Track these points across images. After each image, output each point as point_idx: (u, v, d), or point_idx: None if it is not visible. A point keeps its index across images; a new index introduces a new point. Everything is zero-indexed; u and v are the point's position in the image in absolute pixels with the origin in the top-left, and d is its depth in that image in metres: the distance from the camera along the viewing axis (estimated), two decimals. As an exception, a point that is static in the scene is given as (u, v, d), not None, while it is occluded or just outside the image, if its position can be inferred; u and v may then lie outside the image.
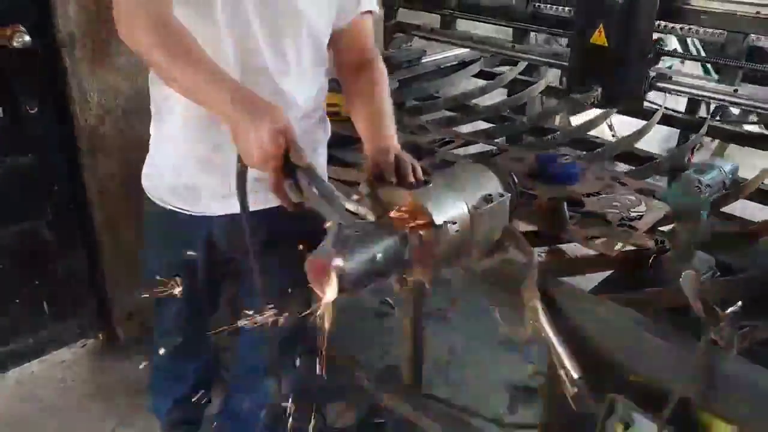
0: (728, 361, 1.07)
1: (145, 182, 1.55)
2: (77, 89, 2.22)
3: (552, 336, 1.21)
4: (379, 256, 1.12)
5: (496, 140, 2.01)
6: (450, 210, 1.17)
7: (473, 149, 2.01)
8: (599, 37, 1.85)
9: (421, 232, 1.16)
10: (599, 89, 1.93)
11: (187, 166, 1.43)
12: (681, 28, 1.82)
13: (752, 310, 1.13)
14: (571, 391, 1.20)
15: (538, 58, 2.21)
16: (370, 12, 1.48)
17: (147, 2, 1.16)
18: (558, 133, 2.14)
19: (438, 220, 1.14)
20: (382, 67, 1.47)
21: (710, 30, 1.80)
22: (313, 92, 1.46)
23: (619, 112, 2.23)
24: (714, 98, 1.86)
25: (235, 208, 1.41)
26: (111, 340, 2.70)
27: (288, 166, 1.14)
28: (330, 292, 1.09)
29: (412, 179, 1.21)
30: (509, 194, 1.29)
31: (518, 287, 1.27)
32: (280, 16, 1.31)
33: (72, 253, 2.46)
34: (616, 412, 1.33)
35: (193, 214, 1.49)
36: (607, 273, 1.43)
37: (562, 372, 1.20)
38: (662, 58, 1.90)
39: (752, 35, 1.75)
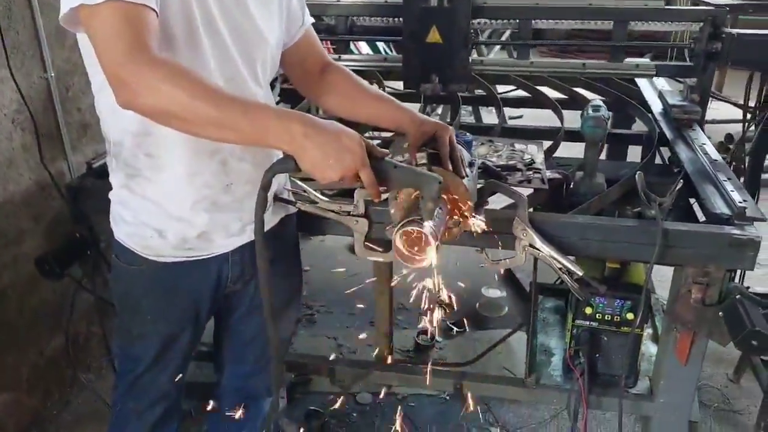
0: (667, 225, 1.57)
1: (131, 243, 1.44)
2: None
3: (550, 249, 1.58)
4: (442, 227, 1.36)
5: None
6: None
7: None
8: (435, 36, 2.28)
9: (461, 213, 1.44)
10: (437, 78, 2.36)
11: (198, 215, 1.40)
12: (485, 22, 2.33)
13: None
14: (575, 285, 1.60)
15: (369, 64, 2.54)
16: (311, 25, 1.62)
17: (159, 59, 1.09)
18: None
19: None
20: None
21: (506, 21, 2.36)
22: (273, 104, 1.58)
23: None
24: (517, 71, 2.44)
25: (247, 237, 1.49)
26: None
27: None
28: (430, 256, 1.30)
29: (464, 171, 1.41)
30: (478, 160, 1.63)
31: (501, 229, 1.63)
32: (251, 45, 1.41)
33: None
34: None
35: (204, 258, 1.46)
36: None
37: (565, 275, 1.60)
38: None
39: (534, 20, 2.35)
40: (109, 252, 1.75)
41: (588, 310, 1.77)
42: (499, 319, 3.06)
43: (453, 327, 2.99)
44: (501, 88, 2.87)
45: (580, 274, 1.57)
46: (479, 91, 2.71)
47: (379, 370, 1.97)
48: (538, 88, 2.66)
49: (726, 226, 1.57)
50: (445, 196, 1.38)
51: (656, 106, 2.48)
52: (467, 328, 3.00)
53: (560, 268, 1.60)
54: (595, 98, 2.41)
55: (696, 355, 1.69)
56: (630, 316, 1.74)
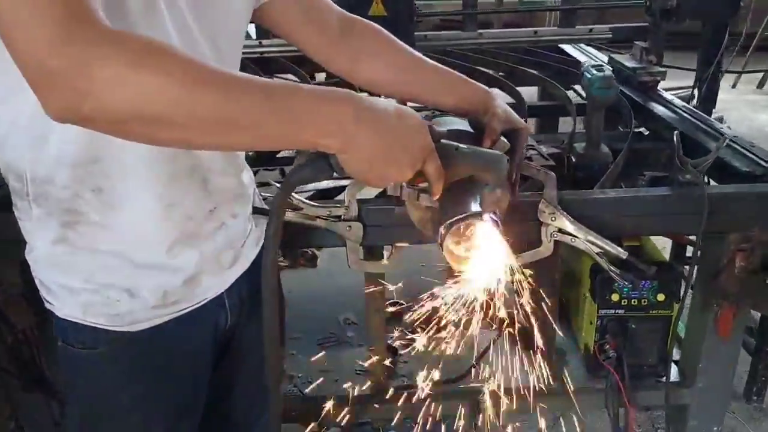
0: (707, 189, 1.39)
1: (91, 317, 0.98)
2: None
3: (586, 233, 1.35)
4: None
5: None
6: None
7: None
8: (377, 8, 1.99)
9: None
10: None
11: (182, 256, 1.00)
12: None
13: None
14: (616, 271, 1.38)
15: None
16: None
17: (115, 33, 0.69)
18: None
19: None
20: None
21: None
22: None
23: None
24: (467, 44, 2.20)
25: (241, 268, 1.12)
26: None
27: None
28: (495, 249, 1.01)
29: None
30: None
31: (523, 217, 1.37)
32: (211, 10, 1.02)
33: None
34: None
35: (194, 308, 1.05)
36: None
37: (603, 261, 1.37)
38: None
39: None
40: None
41: (615, 298, 1.55)
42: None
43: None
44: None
45: (624, 257, 1.36)
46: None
47: (380, 402, 1.64)
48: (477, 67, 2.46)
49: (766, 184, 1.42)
50: None
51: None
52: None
53: (598, 253, 1.38)
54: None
55: (737, 330, 1.53)
56: (661, 297, 1.55)
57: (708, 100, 2.40)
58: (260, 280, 1.22)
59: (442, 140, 0.95)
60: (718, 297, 1.48)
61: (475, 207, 0.98)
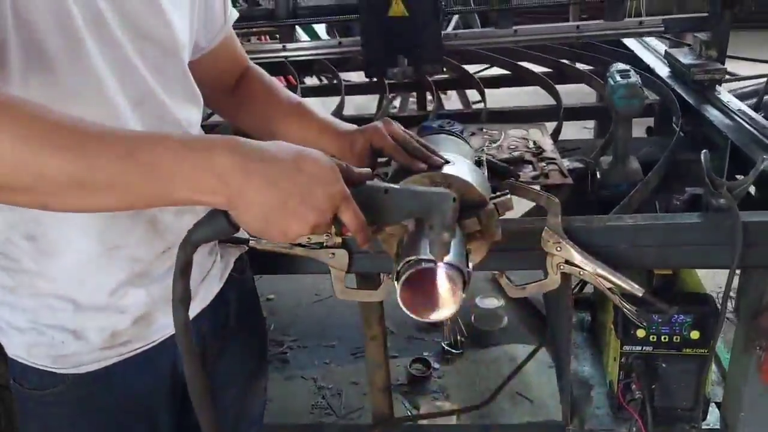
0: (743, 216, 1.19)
1: (36, 357, 0.95)
2: None
3: (596, 266, 1.18)
4: (461, 246, 0.95)
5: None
6: (476, 180, 1.05)
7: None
8: (398, 9, 1.86)
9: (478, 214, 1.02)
10: (405, 60, 1.95)
11: (128, 296, 0.95)
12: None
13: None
14: (631, 309, 1.20)
15: (320, 52, 2.11)
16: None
17: None
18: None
19: (486, 197, 1.01)
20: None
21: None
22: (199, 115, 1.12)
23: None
24: (500, 42, 2.04)
25: (201, 303, 1.06)
26: None
27: None
28: (455, 302, 0.89)
29: (434, 159, 1.02)
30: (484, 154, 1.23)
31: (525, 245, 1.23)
32: (160, 48, 0.95)
33: None
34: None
35: (146, 348, 1.00)
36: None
37: (616, 297, 1.20)
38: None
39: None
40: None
41: (640, 334, 1.38)
42: (500, 332, 2.68)
43: (449, 349, 2.59)
44: (471, 68, 2.48)
45: (640, 294, 1.19)
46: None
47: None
48: (520, 63, 2.29)
49: (818, 211, 1.20)
50: None
51: (662, 70, 2.11)
52: (464, 348, 2.61)
53: (610, 288, 1.22)
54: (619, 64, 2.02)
55: (786, 376, 1.32)
56: (695, 334, 1.36)
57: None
58: (228, 312, 1.16)
59: (368, 182, 0.84)
60: (761, 339, 1.28)
61: (425, 252, 0.86)
